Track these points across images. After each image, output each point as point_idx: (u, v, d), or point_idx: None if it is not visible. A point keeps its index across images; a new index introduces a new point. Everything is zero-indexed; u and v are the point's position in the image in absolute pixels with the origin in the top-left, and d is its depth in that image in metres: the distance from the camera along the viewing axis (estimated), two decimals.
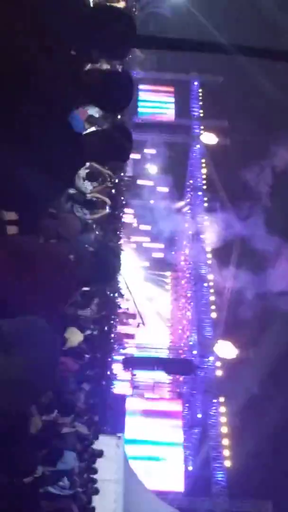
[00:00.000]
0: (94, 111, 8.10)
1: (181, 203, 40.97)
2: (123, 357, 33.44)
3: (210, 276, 34.94)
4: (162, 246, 41.83)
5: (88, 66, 2.56)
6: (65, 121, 2.32)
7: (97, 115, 8.58)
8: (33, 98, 2.10)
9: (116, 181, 14.64)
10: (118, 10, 2.37)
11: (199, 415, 32.60)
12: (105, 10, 2.29)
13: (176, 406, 34.37)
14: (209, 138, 39.92)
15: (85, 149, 2.45)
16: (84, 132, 2.66)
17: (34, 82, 2.08)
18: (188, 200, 40.00)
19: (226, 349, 32.00)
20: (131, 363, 33.70)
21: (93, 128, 6.70)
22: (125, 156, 2.64)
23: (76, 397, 9.39)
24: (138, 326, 36.12)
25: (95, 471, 11.57)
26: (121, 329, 33.26)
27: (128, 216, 37.09)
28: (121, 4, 12.07)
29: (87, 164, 8.09)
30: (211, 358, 32.37)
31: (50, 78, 2.12)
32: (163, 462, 30.96)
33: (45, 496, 6.89)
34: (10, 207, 3.02)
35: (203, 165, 39.35)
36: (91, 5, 2.38)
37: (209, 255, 35.36)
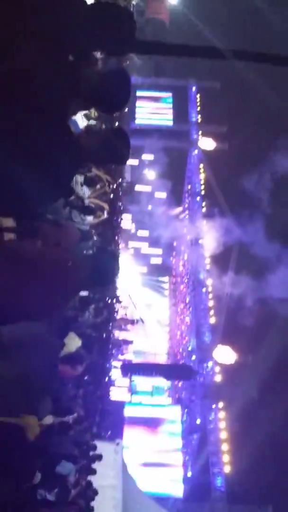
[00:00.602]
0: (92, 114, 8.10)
1: (179, 209, 41.04)
2: (121, 363, 33.35)
3: (209, 281, 34.87)
4: (160, 251, 41.88)
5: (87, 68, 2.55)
6: (63, 125, 2.32)
7: (94, 122, 8.58)
8: (31, 103, 2.09)
9: (114, 186, 14.64)
10: (118, 6, 2.37)
11: (198, 421, 32.47)
12: (105, 6, 2.28)
13: (175, 412, 34.23)
14: (207, 144, 40.01)
15: (82, 152, 2.44)
16: (81, 135, 2.65)
17: (33, 87, 2.07)
18: (186, 205, 40.03)
19: (225, 354, 31.90)
20: (129, 369, 33.61)
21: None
22: (123, 159, 2.63)
23: (74, 403, 9.36)
24: (137, 322, 36.00)
25: (93, 472, 11.49)
26: (119, 335, 33.23)
27: (126, 222, 37.15)
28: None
29: (85, 169, 8.09)
30: (210, 363, 32.25)
31: (48, 83, 2.11)
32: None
33: (43, 503, 6.85)
34: (7, 213, 3.01)
35: (201, 170, 39.41)
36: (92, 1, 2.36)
37: (208, 261, 35.31)
